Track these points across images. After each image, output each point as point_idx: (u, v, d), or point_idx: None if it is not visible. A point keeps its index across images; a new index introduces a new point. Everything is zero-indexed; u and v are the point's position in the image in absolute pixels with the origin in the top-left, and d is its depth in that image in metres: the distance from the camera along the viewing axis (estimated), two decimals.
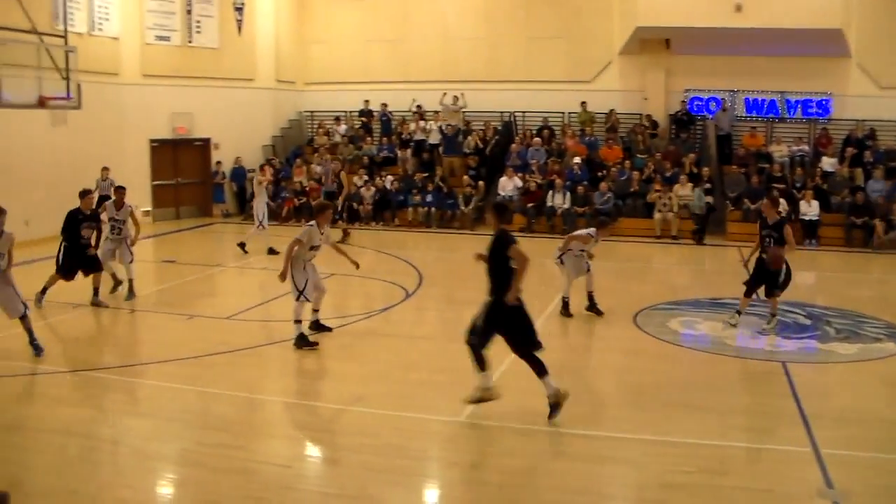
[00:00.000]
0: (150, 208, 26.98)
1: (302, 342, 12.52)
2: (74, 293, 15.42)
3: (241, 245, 20.45)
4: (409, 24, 30.63)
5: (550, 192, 24.88)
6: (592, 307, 14.64)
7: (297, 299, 12.53)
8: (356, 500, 7.65)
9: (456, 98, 28.55)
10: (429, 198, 25.97)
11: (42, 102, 18.34)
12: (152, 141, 27.24)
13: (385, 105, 30.23)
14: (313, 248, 12.67)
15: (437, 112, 29.01)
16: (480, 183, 26.24)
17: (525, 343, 9.61)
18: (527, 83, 28.85)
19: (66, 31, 20.20)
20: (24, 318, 11.77)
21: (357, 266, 13.44)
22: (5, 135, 21.11)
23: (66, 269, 14.90)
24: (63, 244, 14.91)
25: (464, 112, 28.87)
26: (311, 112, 32.59)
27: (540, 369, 9.49)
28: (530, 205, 24.98)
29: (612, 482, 8.20)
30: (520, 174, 26.05)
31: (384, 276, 17.80)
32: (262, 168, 23.62)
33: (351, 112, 31.25)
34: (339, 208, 22.97)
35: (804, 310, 15.04)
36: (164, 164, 27.52)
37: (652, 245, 23.22)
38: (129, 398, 10.66)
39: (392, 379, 11.25)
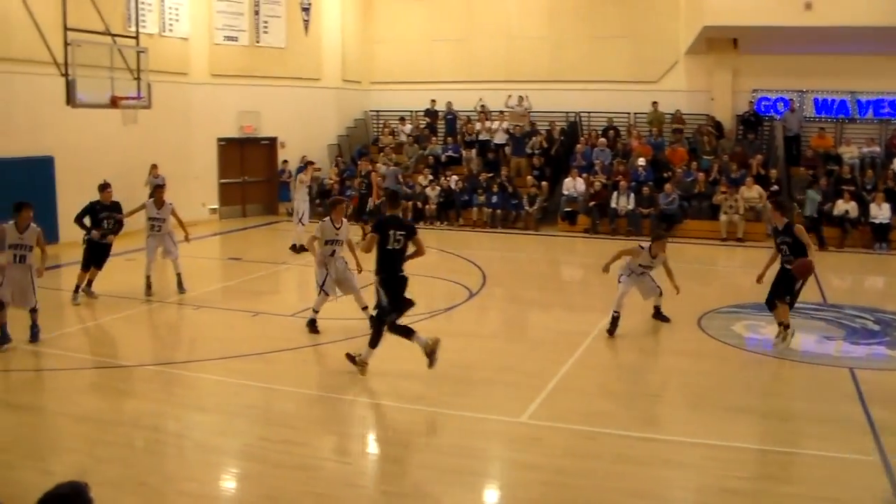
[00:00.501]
0: (216, 206, 27.37)
1: (310, 326, 13.38)
2: (139, 290, 15.75)
3: (293, 247, 20.47)
4: (473, 23, 30.64)
5: (615, 194, 24.72)
6: (658, 315, 14.39)
7: (318, 293, 13.35)
8: (415, 498, 7.69)
9: (521, 98, 28.53)
10: (493, 198, 25.96)
11: (114, 102, 18.62)
12: (220, 139, 27.63)
13: (450, 104, 30.28)
14: (329, 242, 13.21)
15: (501, 112, 28.99)
16: (544, 183, 26.16)
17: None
18: (591, 83, 28.66)
19: (137, 32, 20.52)
20: (33, 311, 12.30)
21: (360, 271, 13.54)
22: (79, 134, 21.60)
23: (84, 261, 15.38)
24: (85, 237, 15.39)
25: (530, 113, 28.82)
26: (377, 111, 32.74)
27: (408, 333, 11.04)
28: (592, 203, 24.79)
29: (673, 486, 8.13)
30: (584, 175, 25.91)
31: (448, 276, 17.85)
32: (305, 168, 23.78)
33: (416, 112, 31.37)
34: (368, 209, 22.92)
35: (873, 315, 14.79)
36: (231, 163, 27.88)
37: (717, 247, 22.96)
38: (194, 393, 10.84)
39: (454, 378, 11.26)
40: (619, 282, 13.71)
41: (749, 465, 8.33)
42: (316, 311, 13.44)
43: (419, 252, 11.52)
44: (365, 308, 13.41)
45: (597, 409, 9.78)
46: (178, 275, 16.19)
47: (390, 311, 11.12)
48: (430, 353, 10.93)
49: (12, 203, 12.35)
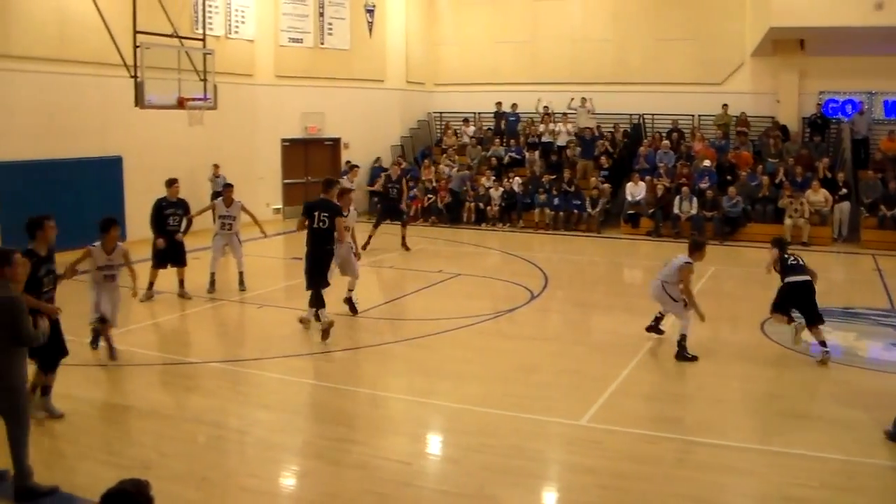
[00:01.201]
0: (280, 206, 27.62)
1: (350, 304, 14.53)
2: (203, 288, 15.97)
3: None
4: (537, 25, 30.56)
5: (678, 198, 24.46)
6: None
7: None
8: (474, 499, 7.68)
9: (584, 100, 28.43)
10: (555, 200, 25.87)
11: (181, 103, 18.88)
12: (284, 140, 27.91)
13: (515, 106, 30.22)
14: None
15: (564, 114, 28.89)
16: (607, 186, 26.01)
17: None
18: (655, 85, 28.41)
19: (204, 34, 20.82)
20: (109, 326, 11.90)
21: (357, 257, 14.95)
22: (147, 134, 21.98)
23: (157, 259, 15.52)
24: (155, 235, 15.55)
25: (594, 115, 28.70)
26: (440, 113, 32.82)
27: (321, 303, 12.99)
28: (652, 210, 24.60)
29: (734, 493, 8.02)
30: (647, 177, 25.68)
31: (509, 278, 17.84)
32: (351, 170, 23.88)
33: (479, 113, 31.37)
34: (407, 212, 22.93)
35: None
36: (295, 163, 28.14)
37: None
38: (256, 390, 10.95)
39: (514, 380, 11.27)
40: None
41: (812, 473, 8.18)
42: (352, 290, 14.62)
43: (339, 233, 13.08)
44: (351, 291, 14.53)
45: (657, 412, 9.72)
46: (241, 273, 16.47)
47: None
48: (325, 330, 12.84)
49: (101, 220, 11.94)
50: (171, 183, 15.76)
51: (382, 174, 25.19)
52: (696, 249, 12.63)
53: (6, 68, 19.00)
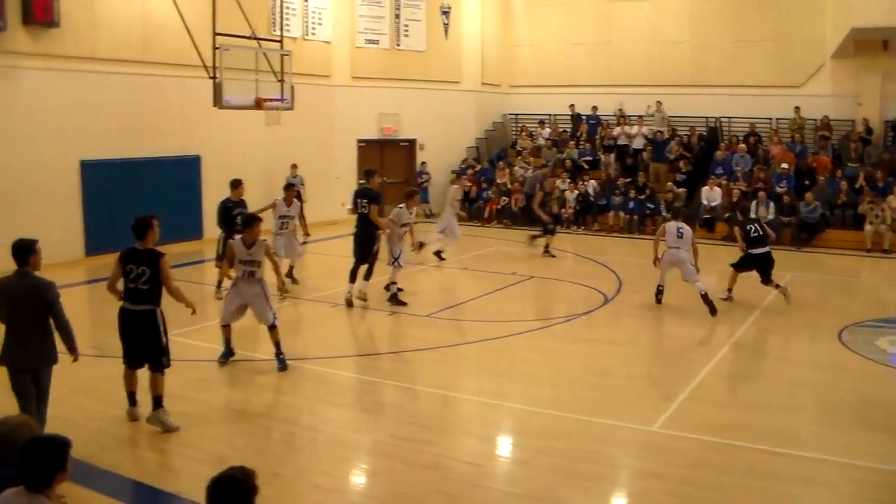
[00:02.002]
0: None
1: (395, 301, 15.42)
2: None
3: (437, 253, 20.57)
4: (613, 27, 30.32)
5: (754, 203, 24.05)
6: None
7: (392, 265, 15.54)
8: (542, 501, 7.69)
9: (658, 104, 28.23)
10: (630, 203, 25.69)
11: (258, 104, 19.12)
12: (360, 141, 28.12)
13: (595, 108, 30.05)
14: (403, 225, 15.73)
15: (640, 117, 28.68)
16: (682, 189, 25.75)
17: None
18: (733, 87, 27.84)
19: (282, 36, 21.06)
20: (272, 328, 11.60)
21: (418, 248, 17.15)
22: (225, 134, 22.35)
23: (220, 258, 15.67)
24: (222, 235, 15.76)
25: (669, 118, 28.47)
26: (515, 115, 32.80)
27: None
28: (727, 215, 24.23)
29: None
30: (725, 180, 25.33)
31: (583, 281, 17.78)
32: (459, 179, 23.88)
33: (554, 115, 31.30)
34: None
35: None
36: (371, 164, 28.04)
37: (861, 258, 22.17)
38: (328, 388, 11.06)
39: (586, 383, 11.24)
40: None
41: (888, 487, 8.01)
42: (395, 283, 15.61)
43: (372, 218, 15.12)
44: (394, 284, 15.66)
45: (729, 420, 9.61)
46: (291, 267, 16.88)
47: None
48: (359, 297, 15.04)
49: (242, 217, 12.49)
50: (237, 184, 16.03)
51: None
52: (679, 215, 16.39)
53: (93, 70, 19.46)
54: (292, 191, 17.03)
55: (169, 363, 9.40)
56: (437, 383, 11.21)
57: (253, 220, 11.66)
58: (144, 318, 9.15)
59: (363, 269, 15.51)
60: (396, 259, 15.55)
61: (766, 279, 15.59)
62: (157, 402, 9.32)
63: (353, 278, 15.38)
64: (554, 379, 11.43)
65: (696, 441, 9.00)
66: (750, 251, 15.60)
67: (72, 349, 8.25)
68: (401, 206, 15.84)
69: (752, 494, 7.83)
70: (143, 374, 9.45)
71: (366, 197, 15.36)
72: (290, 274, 16.78)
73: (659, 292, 15.84)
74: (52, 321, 8.11)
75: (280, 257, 16.20)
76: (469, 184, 23.70)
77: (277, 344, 11.55)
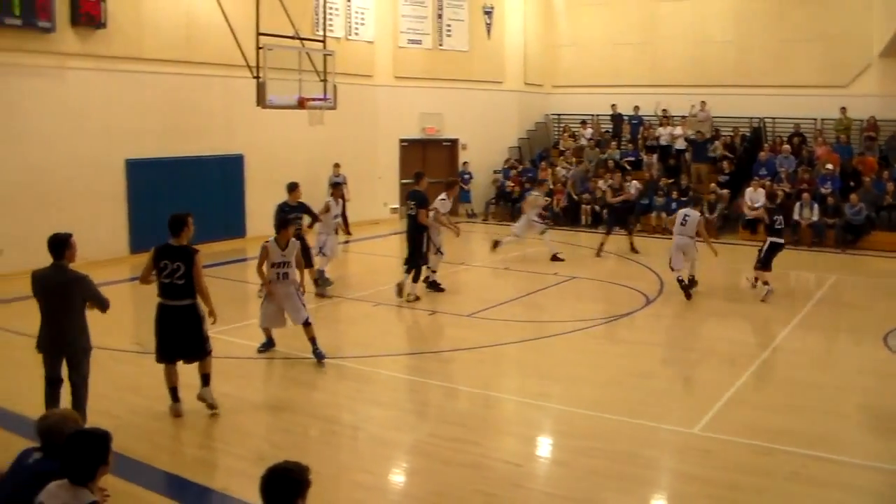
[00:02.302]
0: (397, 206, 27.92)
1: (433, 287, 16.50)
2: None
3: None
4: (656, 26, 30.14)
5: (798, 204, 23.80)
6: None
7: (435, 254, 16.50)
8: (582, 503, 7.68)
9: (703, 104, 28.04)
10: (673, 204, 25.51)
11: (301, 103, 19.19)
12: (402, 140, 28.20)
13: (637, 108, 29.93)
14: (445, 214, 16.71)
15: (683, 117, 28.48)
16: (725, 191, 25.55)
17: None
18: (778, 88, 27.50)
19: (325, 36, 21.15)
20: (307, 325, 11.79)
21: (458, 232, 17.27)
22: (267, 133, 22.52)
23: None
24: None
25: (712, 118, 28.27)
26: (558, 115, 32.71)
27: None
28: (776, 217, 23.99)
29: None
30: (768, 181, 25.08)
31: (625, 282, 17.69)
32: (539, 185, 23.82)
33: (597, 115, 31.18)
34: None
35: None
36: (413, 163, 28.25)
37: None
38: (369, 387, 11.08)
39: (627, 385, 11.18)
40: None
41: None
42: (434, 272, 16.65)
43: (420, 218, 15.67)
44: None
45: (772, 424, 9.51)
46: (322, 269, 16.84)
47: None
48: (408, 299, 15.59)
49: (276, 220, 12.66)
50: (294, 188, 15.97)
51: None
52: (698, 203, 18.03)
53: (139, 70, 19.70)
54: (339, 189, 17.51)
55: (211, 348, 9.72)
56: (478, 383, 11.20)
57: (288, 223, 11.89)
58: (186, 312, 9.37)
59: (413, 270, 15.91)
60: (438, 249, 16.53)
61: (765, 265, 16.34)
62: (206, 379, 9.69)
63: (415, 276, 16.00)
64: (595, 380, 11.38)
65: (738, 444, 8.91)
66: (770, 238, 16.39)
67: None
68: (442, 196, 16.58)
69: (794, 499, 7.76)
70: (183, 368, 9.55)
71: (414, 199, 15.74)
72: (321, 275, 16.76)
73: (682, 285, 16.31)
74: (89, 309, 8.58)
75: (329, 257, 16.41)
76: (540, 192, 23.59)
77: (313, 340, 11.76)
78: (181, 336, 9.42)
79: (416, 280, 15.92)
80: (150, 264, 9.43)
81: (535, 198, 21.04)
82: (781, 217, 16.70)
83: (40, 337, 8.54)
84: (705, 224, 17.16)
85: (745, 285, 17.04)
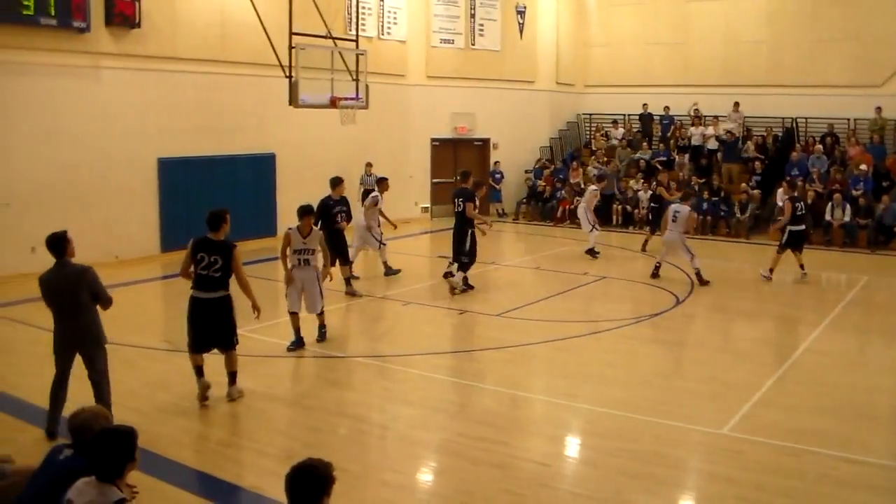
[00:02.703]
0: (428, 205, 27.97)
1: (464, 284, 16.58)
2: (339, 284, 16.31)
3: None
4: (689, 26, 29.96)
5: (830, 205, 23.58)
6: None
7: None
8: (609, 503, 7.69)
9: (736, 105, 27.89)
10: (704, 204, 25.40)
11: (334, 103, 19.22)
12: (433, 140, 28.24)
13: (668, 109, 29.81)
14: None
15: (716, 117, 28.31)
16: (756, 191, 25.38)
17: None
18: (810, 87, 27.16)
19: (357, 35, 21.20)
20: (320, 314, 12.71)
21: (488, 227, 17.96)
22: (299, 133, 22.63)
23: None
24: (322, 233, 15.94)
25: (744, 118, 28.11)
26: (589, 115, 32.64)
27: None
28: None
29: None
30: (800, 181, 24.88)
31: (655, 282, 17.64)
32: (599, 182, 23.97)
33: (629, 115, 31.09)
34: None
35: None
36: (444, 163, 28.40)
37: None
38: (399, 386, 11.14)
39: (656, 385, 11.16)
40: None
41: None
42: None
43: (468, 213, 16.19)
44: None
45: (801, 425, 9.47)
46: (352, 274, 16.91)
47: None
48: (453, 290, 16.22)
49: (297, 208, 12.82)
50: (338, 183, 16.34)
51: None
52: (687, 199, 18.46)
53: (172, 70, 19.88)
54: (384, 183, 17.98)
55: (238, 340, 10.16)
56: (506, 383, 11.22)
57: (306, 212, 12.39)
58: (219, 304, 9.78)
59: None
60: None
61: (786, 248, 17.56)
62: (233, 377, 10.12)
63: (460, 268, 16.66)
64: (624, 380, 11.37)
65: (767, 445, 8.88)
66: (790, 227, 17.44)
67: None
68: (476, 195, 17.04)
69: (823, 501, 7.72)
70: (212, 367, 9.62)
71: (462, 196, 16.30)
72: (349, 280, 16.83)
73: (655, 267, 18.11)
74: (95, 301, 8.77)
75: (383, 247, 17.48)
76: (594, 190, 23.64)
77: (322, 325, 12.83)
78: (214, 326, 9.83)
79: (461, 269, 16.52)
80: (189, 258, 9.82)
81: (593, 192, 21.48)
82: (802, 203, 17.83)
83: (54, 339, 8.83)
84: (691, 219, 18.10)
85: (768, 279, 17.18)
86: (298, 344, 12.39)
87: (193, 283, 9.82)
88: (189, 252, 9.84)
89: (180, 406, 9.84)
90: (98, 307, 8.80)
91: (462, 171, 17.65)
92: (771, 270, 17.38)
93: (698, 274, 17.30)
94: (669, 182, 23.18)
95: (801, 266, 17.65)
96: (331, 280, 13.08)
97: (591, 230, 20.90)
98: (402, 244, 21.54)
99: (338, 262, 15.78)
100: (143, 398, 10.13)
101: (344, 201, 16.32)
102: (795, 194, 18.34)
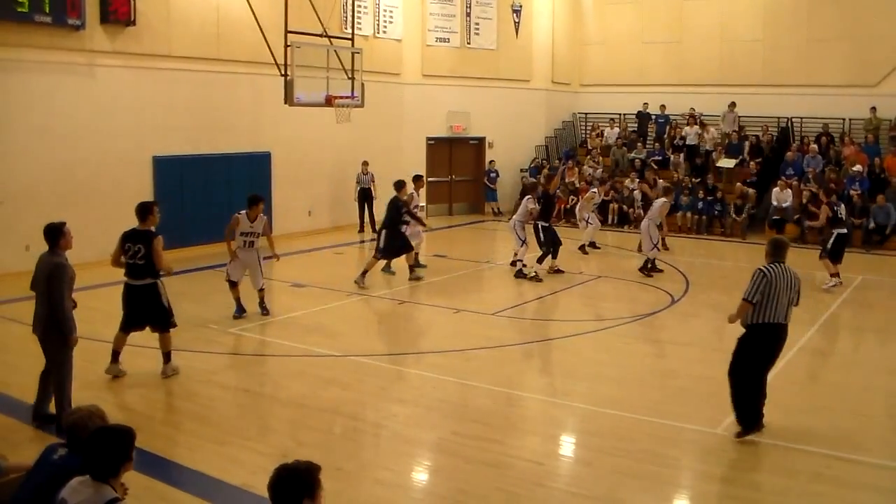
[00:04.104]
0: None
1: (520, 276, 17.56)
2: (344, 281, 16.33)
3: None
4: (685, 26, 29.94)
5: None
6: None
7: (521, 246, 17.74)
8: (604, 502, 7.65)
9: (732, 105, 27.90)
10: (699, 203, 25.41)
11: (329, 101, 19.25)
12: (429, 139, 28.22)
13: (663, 108, 29.83)
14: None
15: (707, 124, 28.35)
16: (752, 190, 25.39)
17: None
18: (806, 87, 27.15)
19: (353, 34, 21.23)
20: (261, 291, 14.12)
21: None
22: (296, 132, 22.59)
23: (387, 252, 16.97)
24: (386, 230, 16.77)
25: (739, 118, 28.14)
26: (585, 114, 32.64)
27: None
28: (797, 216, 23.80)
29: None
30: (795, 181, 24.91)
31: (650, 281, 17.65)
32: (600, 185, 24.25)
33: (625, 114, 31.11)
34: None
35: None
36: (440, 162, 28.41)
37: None
38: (393, 385, 11.13)
39: (651, 384, 11.17)
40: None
41: None
42: (520, 260, 17.87)
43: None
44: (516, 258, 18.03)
45: (796, 424, 9.47)
46: (417, 254, 18.23)
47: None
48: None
49: (247, 195, 14.34)
50: (401, 186, 17.21)
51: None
52: (668, 193, 19.38)
53: (167, 68, 19.80)
54: (420, 181, 18.39)
55: (175, 323, 10.90)
56: (501, 381, 11.21)
57: (257, 200, 14.09)
58: (146, 290, 10.53)
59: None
60: (524, 241, 17.82)
61: (834, 257, 17.11)
62: (168, 356, 10.86)
63: (541, 259, 18.04)
64: (619, 379, 11.37)
65: (762, 444, 8.89)
66: (835, 230, 17.18)
67: (65, 331, 8.99)
68: (528, 197, 18.22)
69: (817, 500, 7.73)
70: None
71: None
72: (416, 263, 17.84)
73: (646, 263, 18.36)
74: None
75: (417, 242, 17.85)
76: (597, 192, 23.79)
77: (262, 300, 14.18)
78: (145, 310, 10.57)
79: (539, 261, 17.92)
80: (118, 248, 10.57)
81: (592, 194, 21.89)
82: (843, 205, 17.83)
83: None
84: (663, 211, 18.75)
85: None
86: (241, 312, 13.96)
87: (125, 271, 10.56)
88: (118, 243, 10.58)
89: (172, 404, 9.85)
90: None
91: (530, 183, 19.76)
92: (833, 276, 17.14)
93: (650, 263, 18.20)
94: (655, 180, 23.27)
95: (836, 275, 17.16)
96: (277, 260, 14.74)
97: (586, 225, 21.50)
98: None
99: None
100: (134, 396, 10.15)
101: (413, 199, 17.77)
102: (833, 198, 18.16)
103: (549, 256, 18.02)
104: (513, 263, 18.28)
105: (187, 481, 7.98)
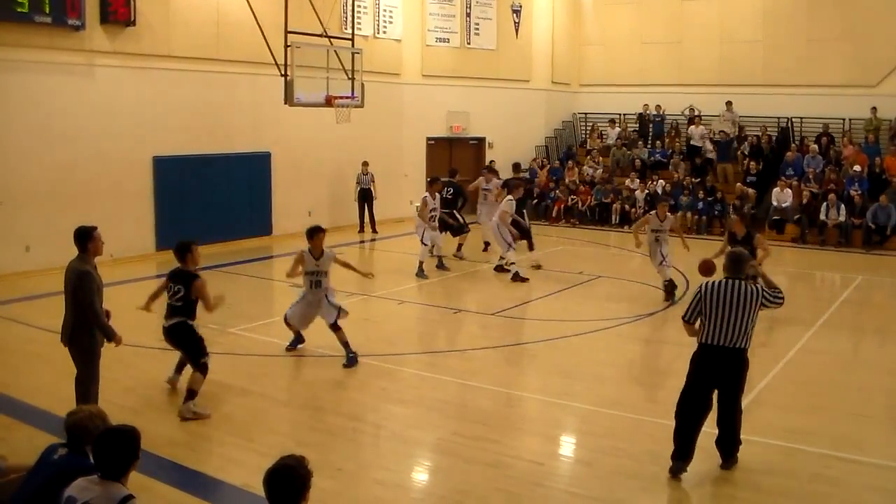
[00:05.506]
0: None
1: (516, 278, 17.37)
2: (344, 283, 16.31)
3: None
4: (684, 26, 29.91)
5: (825, 205, 23.58)
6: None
7: (507, 250, 17.68)
8: (603, 503, 7.66)
9: (729, 104, 27.90)
10: (699, 204, 25.40)
11: (329, 101, 19.25)
12: (429, 139, 28.19)
13: (659, 107, 29.83)
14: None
15: (714, 116, 28.35)
16: (751, 191, 25.38)
17: None
18: (806, 87, 27.11)
19: (353, 34, 21.23)
20: (335, 326, 11.79)
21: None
22: (296, 132, 22.57)
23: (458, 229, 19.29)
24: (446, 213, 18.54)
25: (738, 118, 28.13)
26: (585, 114, 32.64)
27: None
28: (797, 217, 23.84)
29: None
30: (795, 181, 24.91)
31: (649, 281, 17.62)
32: (516, 188, 24.45)
33: (624, 114, 31.12)
34: None
35: None
36: (439, 162, 28.31)
37: None
38: (393, 385, 11.10)
39: (651, 384, 11.20)
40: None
41: None
42: (513, 263, 17.66)
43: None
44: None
45: (795, 424, 9.47)
46: (461, 244, 20.13)
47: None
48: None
49: (305, 230, 12.33)
50: (435, 181, 18.75)
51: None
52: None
53: (167, 68, 19.79)
54: (438, 184, 18.58)
55: (206, 365, 9.81)
56: (501, 382, 11.22)
57: (316, 232, 11.71)
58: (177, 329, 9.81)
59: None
60: (510, 244, 17.79)
61: None
62: (190, 394, 9.67)
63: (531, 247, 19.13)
64: (619, 379, 11.38)
65: (761, 445, 8.87)
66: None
67: (107, 337, 8.69)
68: (509, 197, 18.15)
69: (817, 500, 7.74)
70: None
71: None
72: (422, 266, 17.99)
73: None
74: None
75: (431, 245, 18.21)
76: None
77: (347, 345, 11.75)
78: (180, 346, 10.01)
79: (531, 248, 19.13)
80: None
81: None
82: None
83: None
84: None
85: None
86: (298, 341, 12.27)
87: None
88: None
89: (175, 405, 9.82)
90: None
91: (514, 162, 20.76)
92: None
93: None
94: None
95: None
96: (372, 277, 13.82)
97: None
98: (396, 243, 21.54)
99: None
100: (137, 396, 10.13)
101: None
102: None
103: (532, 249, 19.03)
104: (497, 268, 18.37)
105: (187, 481, 7.98)
